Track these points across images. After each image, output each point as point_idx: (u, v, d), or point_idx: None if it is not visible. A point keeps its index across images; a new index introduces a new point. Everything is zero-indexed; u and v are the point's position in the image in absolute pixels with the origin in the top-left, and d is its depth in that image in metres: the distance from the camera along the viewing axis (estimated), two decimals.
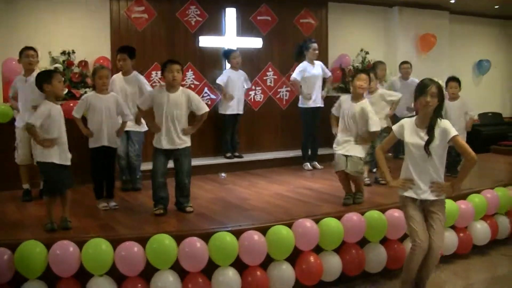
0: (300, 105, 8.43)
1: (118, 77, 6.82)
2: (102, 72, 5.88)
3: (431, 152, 4.29)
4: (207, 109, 5.73)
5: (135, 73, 6.87)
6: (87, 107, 5.80)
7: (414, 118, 4.48)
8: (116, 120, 5.93)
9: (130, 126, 6.39)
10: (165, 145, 5.56)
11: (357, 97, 5.89)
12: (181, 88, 5.67)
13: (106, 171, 5.94)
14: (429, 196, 4.39)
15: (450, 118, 6.90)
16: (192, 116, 5.72)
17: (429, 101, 4.26)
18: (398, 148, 9.01)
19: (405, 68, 9.00)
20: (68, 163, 5.13)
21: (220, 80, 8.49)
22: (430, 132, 4.30)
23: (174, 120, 5.55)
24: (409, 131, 4.41)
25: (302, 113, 8.42)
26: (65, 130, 5.15)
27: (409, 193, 4.44)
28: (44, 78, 5.07)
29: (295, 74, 8.31)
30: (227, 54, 8.65)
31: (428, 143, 4.29)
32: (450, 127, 4.31)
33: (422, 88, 4.30)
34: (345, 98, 6.01)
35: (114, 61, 7.57)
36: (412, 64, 9.04)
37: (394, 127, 4.55)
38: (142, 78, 6.92)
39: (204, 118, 5.73)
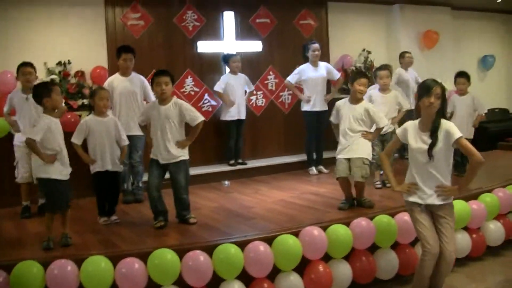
0: (302, 109, 8.31)
1: (117, 78, 6.69)
2: (103, 93, 5.71)
3: (434, 157, 4.16)
4: (201, 118, 5.53)
5: (135, 73, 6.81)
6: (86, 132, 5.61)
7: (417, 121, 4.34)
8: (116, 143, 5.78)
9: (134, 130, 6.23)
10: (161, 159, 5.44)
11: (357, 100, 5.80)
12: (173, 99, 5.52)
13: (111, 195, 5.77)
14: (435, 200, 4.26)
15: (458, 114, 6.78)
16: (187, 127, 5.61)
17: (433, 102, 4.13)
18: (404, 147, 8.87)
19: (409, 57, 8.93)
20: (68, 177, 4.97)
21: (218, 87, 8.30)
22: (433, 135, 4.17)
23: (166, 133, 5.41)
24: (413, 135, 4.30)
25: (305, 117, 8.31)
26: (64, 144, 4.98)
27: (414, 198, 4.32)
28: (43, 92, 4.89)
29: (289, 77, 8.35)
30: (226, 58, 8.49)
31: (431, 147, 4.16)
32: (454, 129, 4.17)
33: (426, 88, 4.17)
34: (342, 103, 5.88)
35: (112, 67, 7.49)
36: (416, 61, 8.92)
37: (398, 131, 4.44)
38: (145, 80, 6.90)
39: (199, 128, 5.54)
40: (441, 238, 4.28)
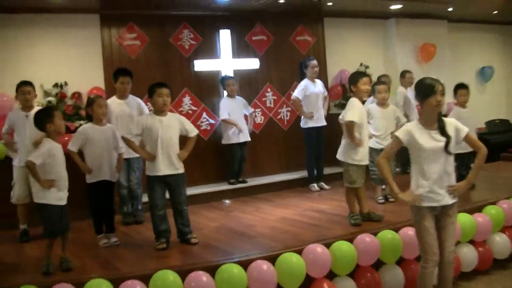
0: (302, 125, 8.27)
1: (114, 101, 6.65)
2: (100, 100, 5.73)
3: (451, 153, 4.17)
4: (197, 131, 5.64)
5: (132, 96, 6.78)
6: (84, 140, 5.58)
7: (416, 122, 4.30)
8: (114, 152, 5.76)
9: (132, 153, 6.18)
10: (164, 170, 5.35)
11: (361, 100, 5.85)
12: (169, 112, 5.54)
13: (106, 205, 5.73)
14: (448, 200, 4.22)
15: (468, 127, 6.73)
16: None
17: (440, 99, 4.13)
18: (407, 162, 8.78)
19: (409, 78, 8.90)
20: (65, 202, 4.90)
21: (224, 115, 8.26)
22: (444, 132, 4.16)
23: (170, 144, 5.38)
24: (420, 135, 4.20)
25: (306, 134, 8.26)
26: (65, 170, 4.93)
27: (428, 203, 4.20)
28: (45, 117, 4.86)
29: (296, 93, 8.20)
30: (223, 81, 8.51)
31: (448, 143, 4.13)
32: (461, 125, 4.24)
33: (429, 88, 4.14)
34: (359, 103, 5.80)
35: (108, 88, 7.49)
36: (414, 75, 8.92)
37: (400, 134, 4.28)
38: (142, 102, 6.85)
39: (195, 140, 5.60)
40: (445, 239, 4.27)
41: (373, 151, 6.22)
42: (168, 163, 5.37)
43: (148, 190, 5.45)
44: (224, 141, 8.40)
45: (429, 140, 4.17)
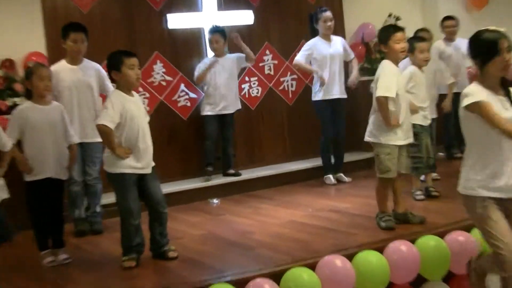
0: (313, 98, 8.22)
1: (64, 67, 6.58)
2: (43, 70, 5.61)
3: None
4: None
5: (87, 60, 6.74)
6: (22, 125, 5.48)
7: (478, 84, 4.19)
8: (63, 141, 5.68)
9: (91, 136, 6.09)
10: (148, 167, 5.36)
11: (397, 63, 5.84)
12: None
13: (53, 211, 5.63)
14: None
15: None
16: None
17: (509, 58, 4.08)
18: (453, 142, 8.71)
19: (449, 26, 8.87)
20: None
21: (196, 73, 8.23)
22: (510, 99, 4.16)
23: (147, 132, 5.40)
24: (493, 102, 4.10)
25: (316, 109, 8.25)
26: None
27: (495, 193, 4.13)
28: None
29: (299, 56, 8.27)
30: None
31: None
32: None
33: (491, 46, 4.08)
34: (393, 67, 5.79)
35: (52, 53, 7.43)
36: (462, 27, 8.94)
37: (481, 98, 4.07)
38: (101, 68, 6.75)
39: None
40: None
41: (420, 130, 6.13)
42: (147, 158, 5.37)
43: (119, 192, 5.37)
44: (201, 112, 8.35)
45: (503, 110, 4.10)
